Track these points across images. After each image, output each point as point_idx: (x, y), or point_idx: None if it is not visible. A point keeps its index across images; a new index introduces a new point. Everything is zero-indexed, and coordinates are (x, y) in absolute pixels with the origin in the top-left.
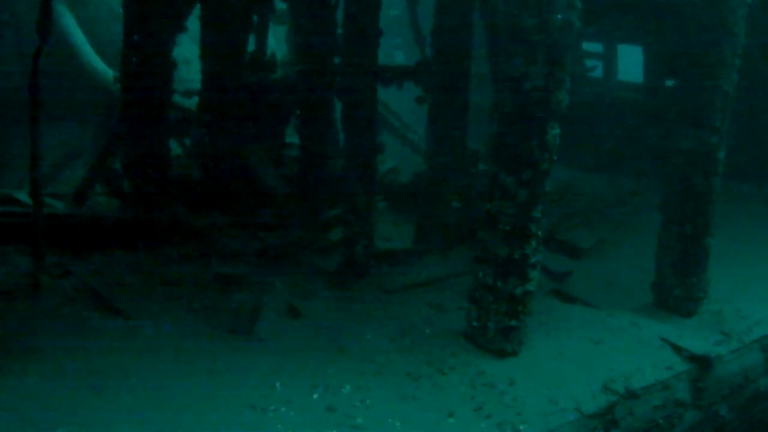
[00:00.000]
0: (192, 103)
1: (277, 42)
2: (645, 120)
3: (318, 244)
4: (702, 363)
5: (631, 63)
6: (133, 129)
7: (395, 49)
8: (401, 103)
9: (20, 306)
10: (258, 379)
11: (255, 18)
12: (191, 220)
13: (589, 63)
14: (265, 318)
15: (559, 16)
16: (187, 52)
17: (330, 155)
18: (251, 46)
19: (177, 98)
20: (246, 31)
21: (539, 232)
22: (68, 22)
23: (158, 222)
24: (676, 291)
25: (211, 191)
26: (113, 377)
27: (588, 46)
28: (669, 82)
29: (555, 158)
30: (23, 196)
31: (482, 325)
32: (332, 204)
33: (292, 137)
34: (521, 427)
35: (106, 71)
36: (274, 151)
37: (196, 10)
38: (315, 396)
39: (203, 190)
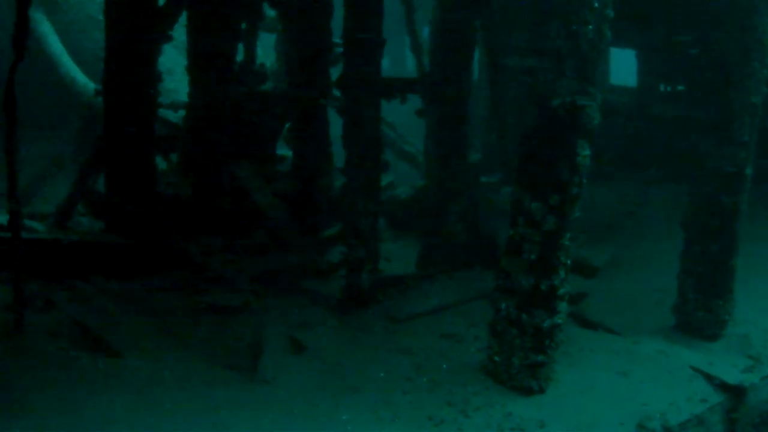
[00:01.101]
0: (178, 116)
1: (263, 50)
2: (645, 126)
3: (316, 266)
4: (736, 393)
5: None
6: (118, 145)
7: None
8: (395, 114)
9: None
10: (268, 429)
11: (243, 26)
12: (181, 243)
13: None
14: (268, 354)
15: (591, 27)
16: (170, 61)
17: (325, 170)
18: (239, 55)
19: (162, 111)
20: (235, 39)
21: (568, 261)
22: (46, 30)
23: (146, 246)
24: (700, 313)
25: (201, 211)
26: None
27: None
28: (663, 87)
29: (585, 181)
30: (2, 217)
31: (505, 360)
32: (329, 222)
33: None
34: None
35: (86, 83)
36: (265, 165)
37: (182, 19)
38: None
39: (193, 210)
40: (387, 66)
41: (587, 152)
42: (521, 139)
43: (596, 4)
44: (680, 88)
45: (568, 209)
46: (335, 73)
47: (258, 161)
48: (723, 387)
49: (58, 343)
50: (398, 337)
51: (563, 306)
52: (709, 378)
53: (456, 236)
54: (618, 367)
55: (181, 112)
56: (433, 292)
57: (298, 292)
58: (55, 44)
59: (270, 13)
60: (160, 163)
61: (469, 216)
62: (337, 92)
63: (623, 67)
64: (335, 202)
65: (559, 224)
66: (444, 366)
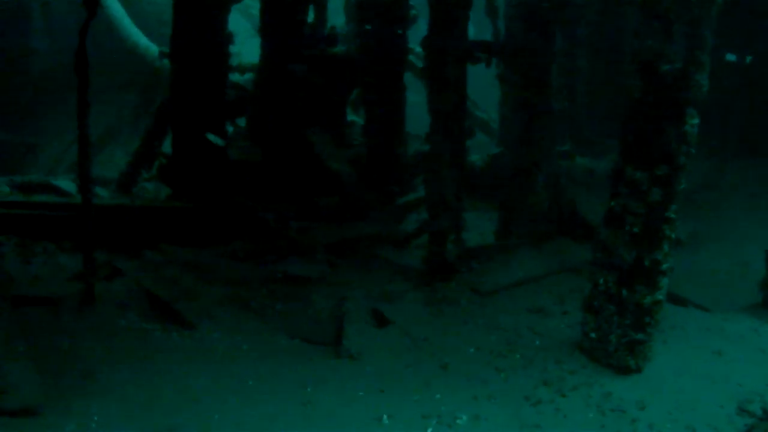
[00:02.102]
0: (245, 79)
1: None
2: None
3: (392, 235)
4: None
5: None
6: (186, 108)
7: None
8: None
9: (70, 319)
10: (360, 410)
11: None
12: (257, 210)
13: None
14: (351, 328)
15: None
16: (232, 23)
17: (398, 136)
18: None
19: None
20: (307, 1)
21: (672, 235)
22: None
23: (217, 212)
24: None
25: (272, 177)
26: (192, 415)
27: None
28: (730, 57)
29: (693, 151)
30: (63, 183)
31: (602, 337)
32: (402, 190)
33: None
34: None
35: (148, 46)
36: (336, 131)
37: None
38: (429, 431)
39: (264, 176)
40: None
41: (696, 121)
42: (627, 106)
43: None
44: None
45: (676, 180)
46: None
47: (329, 126)
48: None
49: (129, 315)
50: (485, 310)
51: (665, 281)
52: None
53: (539, 206)
54: (711, 346)
55: (248, 75)
56: (517, 264)
57: (376, 261)
58: (114, 6)
59: None
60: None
61: (551, 185)
62: (412, 57)
63: None
64: (409, 169)
65: (665, 196)
66: (537, 342)
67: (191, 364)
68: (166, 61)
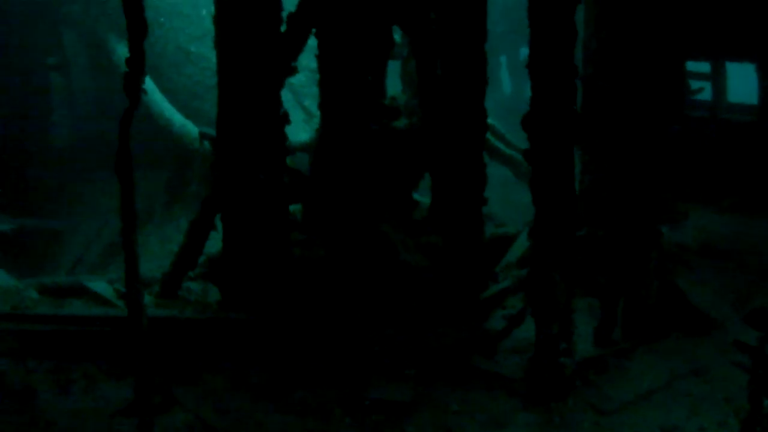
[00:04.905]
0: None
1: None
2: None
3: (481, 337)
4: None
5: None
6: (239, 199)
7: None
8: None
9: None
10: None
11: None
12: (329, 320)
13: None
14: None
15: None
16: None
17: (479, 222)
18: None
19: None
20: (368, 70)
21: None
22: None
23: (281, 324)
24: None
25: (338, 275)
26: None
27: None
28: None
29: None
30: (98, 285)
31: None
32: (484, 281)
33: None
34: None
35: (184, 124)
36: (405, 215)
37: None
38: None
39: (328, 274)
40: (507, 83)
41: None
42: None
43: None
44: None
45: None
46: None
47: (397, 211)
48: None
49: None
50: None
51: None
52: None
53: (649, 297)
54: None
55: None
56: (637, 371)
57: (470, 373)
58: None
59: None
60: None
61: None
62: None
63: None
64: (488, 255)
65: None
66: None
67: None
68: (206, 143)
